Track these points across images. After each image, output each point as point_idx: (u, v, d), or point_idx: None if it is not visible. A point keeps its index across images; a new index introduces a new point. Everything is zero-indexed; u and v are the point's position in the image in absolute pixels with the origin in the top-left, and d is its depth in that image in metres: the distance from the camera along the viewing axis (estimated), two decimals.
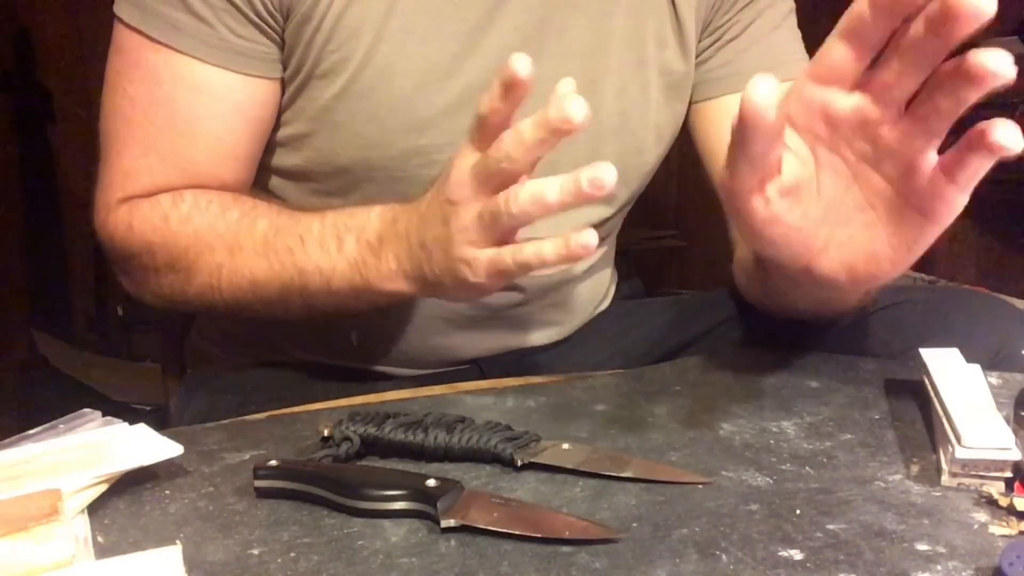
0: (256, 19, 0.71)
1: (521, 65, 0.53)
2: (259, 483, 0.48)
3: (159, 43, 0.70)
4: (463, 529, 0.44)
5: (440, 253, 0.60)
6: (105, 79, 0.74)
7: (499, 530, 0.43)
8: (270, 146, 0.78)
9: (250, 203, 0.72)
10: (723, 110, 0.83)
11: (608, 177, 0.52)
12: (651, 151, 0.83)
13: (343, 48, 0.71)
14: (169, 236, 0.72)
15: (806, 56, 0.84)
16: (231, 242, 0.70)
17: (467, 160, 0.57)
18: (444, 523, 0.44)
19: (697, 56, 0.84)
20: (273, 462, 0.49)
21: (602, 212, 0.86)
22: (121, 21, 0.71)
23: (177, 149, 0.73)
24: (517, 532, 0.43)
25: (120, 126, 0.74)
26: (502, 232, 0.57)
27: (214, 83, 0.71)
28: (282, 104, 0.76)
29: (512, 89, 0.55)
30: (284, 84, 0.75)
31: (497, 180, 0.56)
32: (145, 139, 0.73)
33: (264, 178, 0.80)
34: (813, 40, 0.88)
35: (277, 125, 0.77)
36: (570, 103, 0.52)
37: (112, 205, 0.74)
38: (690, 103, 0.85)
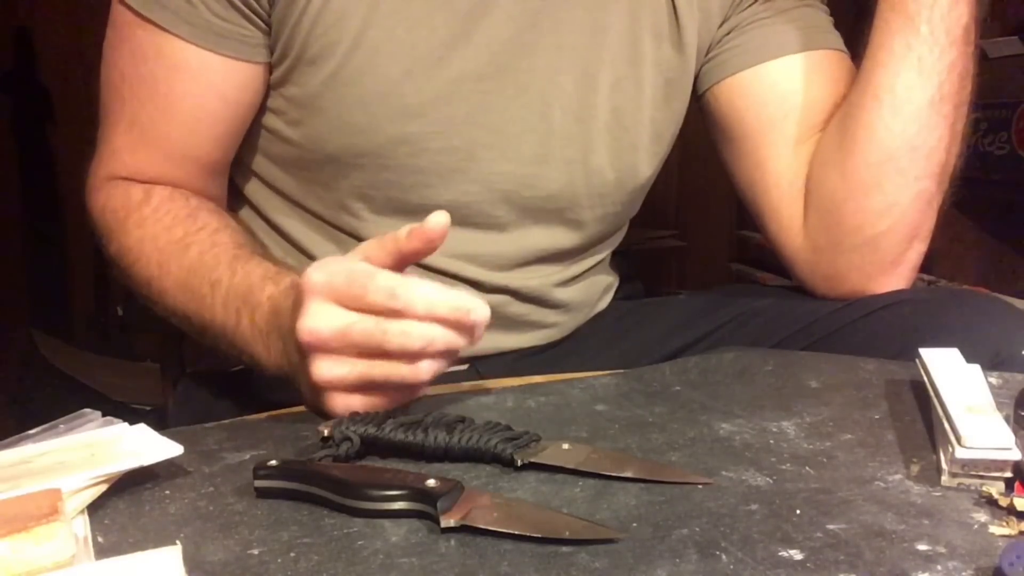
0: (239, 2, 0.71)
1: (442, 220, 0.57)
2: (259, 483, 0.49)
3: (145, 19, 0.72)
4: (463, 529, 0.44)
5: (293, 349, 0.59)
6: (103, 51, 0.76)
7: (499, 530, 0.43)
8: (261, 133, 0.78)
9: (199, 223, 0.73)
10: (736, 88, 0.83)
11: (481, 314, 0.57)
12: (647, 149, 0.83)
13: (331, 32, 0.71)
14: (122, 233, 0.74)
15: (825, 28, 0.84)
16: (162, 261, 0.71)
17: (332, 302, 0.55)
18: (444, 523, 0.44)
19: (712, 48, 0.84)
20: (273, 462, 0.49)
21: (600, 229, 0.86)
22: None
23: (156, 125, 0.75)
24: (517, 532, 0.43)
25: (112, 101, 0.76)
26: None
27: (192, 62, 0.72)
28: (270, 90, 0.76)
29: (431, 242, 0.58)
30: (272, 69, 0.75)
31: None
32: (131, 115, 0.75)
33: (257, 165, 0.80)
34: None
35: (266, 111, 0.77)
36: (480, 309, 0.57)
37: (99, 181, 0.78)
38: (705, 91, 0.85)
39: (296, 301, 0.57)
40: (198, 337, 0.73)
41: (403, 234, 0.57)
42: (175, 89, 0.73)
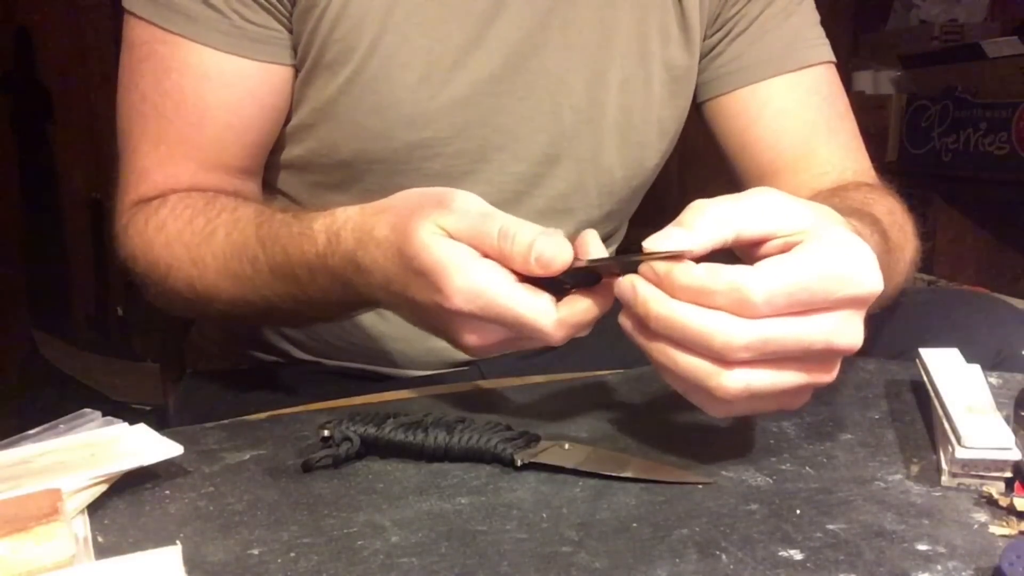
0: (266, 3, 0.70)
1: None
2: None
3: (172, 33, 0.70)
4: (463, 530, 0.44)
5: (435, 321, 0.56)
6: (118, 79, 0.74)
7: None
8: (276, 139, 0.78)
9: (218, 207, 0.69)
10: (739, 105, 0.83)
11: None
12: (653, 147, 0.83)
13: (348, 38, 0.71)
14: (146, 242, 0.71)
15: (824, 40, 0.84)
16: (195, 255, 0.68)
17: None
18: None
19: (708, 52, 0.84)
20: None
21: (606, 227, 0.86)
22: (133, 15, 0.71)
23: (185, 137, 0.72)
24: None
25: (134, 124, 0.73)
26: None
27: (224, 70, 0.71)
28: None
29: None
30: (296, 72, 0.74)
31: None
32: (156, 132, 0.72)
33: (268, 172, 0.80)
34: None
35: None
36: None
37: (126, 208, 0.73)
38: (706, 100, 0.85)
39: (421, 267, 0.52)
40: (264, 318, 0.68)
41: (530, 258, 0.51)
42: (206, 99, 0.71)
